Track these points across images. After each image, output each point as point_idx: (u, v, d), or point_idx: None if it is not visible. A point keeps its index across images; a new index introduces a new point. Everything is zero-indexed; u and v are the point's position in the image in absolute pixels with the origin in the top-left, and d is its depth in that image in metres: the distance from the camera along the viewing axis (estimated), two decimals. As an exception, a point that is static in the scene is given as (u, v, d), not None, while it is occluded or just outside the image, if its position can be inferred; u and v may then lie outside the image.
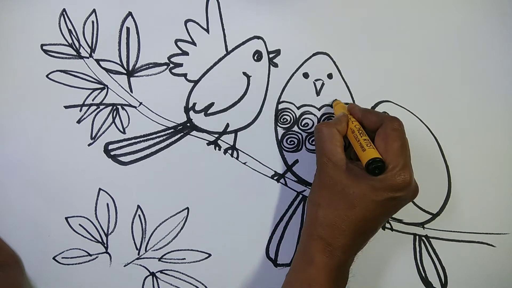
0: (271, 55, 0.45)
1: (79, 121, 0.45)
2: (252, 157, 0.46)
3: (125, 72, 0.45)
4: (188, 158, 0.46)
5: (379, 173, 0.35)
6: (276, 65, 0.45)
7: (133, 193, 0.46)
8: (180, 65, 0.45)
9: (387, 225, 0.46)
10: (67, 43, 0.45)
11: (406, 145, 0.37)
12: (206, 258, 0.46)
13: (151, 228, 0.46)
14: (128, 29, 0.44)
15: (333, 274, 0.36)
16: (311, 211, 0.39)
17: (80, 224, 0.46)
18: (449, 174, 0.45)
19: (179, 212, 0.46)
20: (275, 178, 0.46)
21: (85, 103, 0.45)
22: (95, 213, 0.46)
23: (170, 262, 0.46)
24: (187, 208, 0.46)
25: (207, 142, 0.46)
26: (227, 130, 0.46)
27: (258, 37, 0.45)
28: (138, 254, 0.46)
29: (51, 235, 0.46)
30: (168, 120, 0.45)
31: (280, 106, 0.45)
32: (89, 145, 0.45)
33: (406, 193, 0.36)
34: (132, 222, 0.46)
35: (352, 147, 0.39)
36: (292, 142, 0.46)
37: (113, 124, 0.45)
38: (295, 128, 0.45)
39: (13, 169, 0.46)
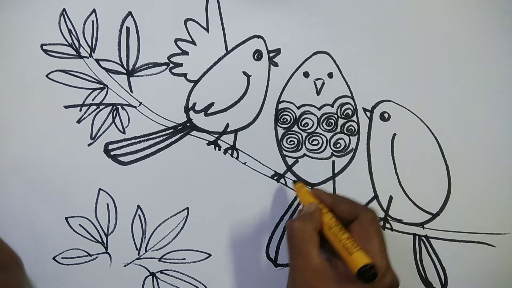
0: (271, 54, 0.45)
1: (79, 121, 0.45)
2: (252, 157, 0.46)
3: (125, 72, 0.45)
4: (188, 158, 0.46)
5: (372, 279, 0.31)
6: (276, 65, 0.45)
7: (133, 193, 0.46)
8: (180, 64, 0.45)
9: (387, 225, 0.46)
10: (67, 43, 0.45)
11: (383, 238, 0.35)
12: (206, 258, 0.46)
13: (151, 228, 0.46)
14: (128, 28, 0.44)
15: None
16: None
17: (80, 224, 0.46)
18: (449, 174, 0.45)
19: (179, 212, 0.46)
20: (275, 178, 0.46)
21: (85, 103, 0.45)
22: (95, 213, 0.46)
23: (170, 262, 0.46)
24: (187, 208, 0.46)
25: (207, 142, 0.46)
26: (227, 130, 0.46)
27: (258, 36, 0.45)
28: (138, 254, 0.46)
29: (51, 235, 0.46)
30: (168, 120, 0.45)
31: (280, 106, 0.45)
32: (89, 145, 0.45)
33: None
34: (132, 222, 0.46)
35: (329, 244, 0.36)
36: (292, 142, 0.46)
37: (113, 124, 0.45)
38: (295, 128, 0.45)
39: (13, 169, 0.46)
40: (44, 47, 0.45)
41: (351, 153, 0.46)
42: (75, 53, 0.45)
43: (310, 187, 0.44)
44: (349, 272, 0.33)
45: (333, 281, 0.33)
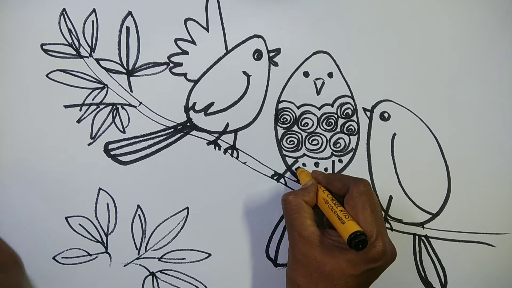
0: (271, 54, 0.45)
1: (79, 121, 0.45)
2: (252, 157, 0.46)
3: (125, 71, 0.45)
4: (188, 158, 0.46)
5: (362, 247, 0.33)
6: (276, 64, 0.45)
7: (133, 193, 0.46)
8: (180, 64, 0.45)
9: (387, 225, 0.46)
10: (67, 43, 0.45)
11: (376, 207, 0.36)
12: (206, 258, 0.46)
13: (151, 228, 0.46)
14: (128, 28, 0.44)
15: None
16: None
17: (80, 224, 0.46)
18: (449, 174, 0.45)
19: (179, 212, 0.46)
20: (275, 178, 0.46)
21: (85, 102, 0.45)
22: (95, 213, 0.46)
23: (170, 262, 0.46)
24: (187, 208, 0.46)
25: (207, 141, 0.46)
26: (227, 130, 0.46)
27: (258, 36, 0.45)
28: (138, 254, 0.46)
29: (51, 235, 0.46)
30: (168, 119, 0.45)
31: (280, 106, 0.45)
32: (89, 144, 0.45)
33: (383, 261, 0.35)
34: (132, 222, 0.46)
35: (326, 217, 0.38)
36: (292, 142, 0.46)
37: (113, 123, 0.45)
38: (295, 128, 0.45)
39: (13, 169, 0.46)
40: (44, 47, 0.45)
41: (351, 153, 0.46)
42: (75, 53, 0.45)
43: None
44: (342, 241, 0.35)
45: (327, 249, 0.35)
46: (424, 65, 0.45)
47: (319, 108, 0.45)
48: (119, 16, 0.44)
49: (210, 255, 0.46)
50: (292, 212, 0.37)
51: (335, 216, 0.35)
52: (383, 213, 0.46)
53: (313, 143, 0.45)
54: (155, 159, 0.45)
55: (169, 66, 0.45)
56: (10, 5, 0.44)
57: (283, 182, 0.46)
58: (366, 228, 0.34)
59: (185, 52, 0.45)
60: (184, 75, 0.45)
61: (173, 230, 0.46)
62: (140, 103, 0.45)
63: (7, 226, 0.46)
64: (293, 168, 0.46)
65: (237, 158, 0.46)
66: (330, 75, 0.45)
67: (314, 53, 0.45)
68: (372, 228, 0.35)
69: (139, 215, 0.46)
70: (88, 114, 0.45)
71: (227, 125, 0.46)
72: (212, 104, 0.45)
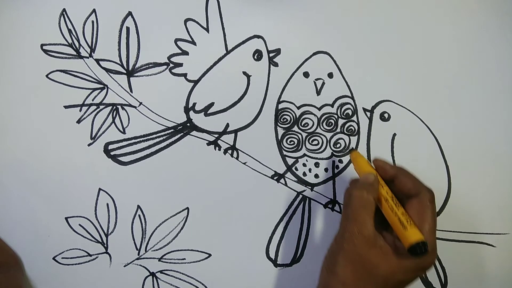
0: (271, 54, 0.45)
1: (79, 121, 0.45)
2: (252, 157, 0.46)
3: (125, 72, 0.45)
4: (188, 158, 0.46)
5: (420, 255, 0.32)
6: (276, 65, 0.45)
7: (133, 193, 0.46)
8: (180, 65, 0.45)
9: (387, 225, 0.46)
10: (67, 43, 0.45)
11: (436, 221, 0.35)
12: (206, 258, 0.46)
13: (151, 228, 0.46)
14: (128, 29, 0.44)
15: None
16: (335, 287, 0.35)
17: (80, 224, 0.46)
18: (449, 174, 0.45)
19: (179, 212, 0.46)
20: (275, 178, 0.46)
21: (85, 103, 0.45)
22: (95, 213, 0.46)
23: (170, 262, 0.46)
24: (187, 208, 0.46)
25: (207, 142, 0.46)
26: (227, 130, 0.46)
27: (258, 36, 0.45)
28: (138, 254, 0.46)
29: (51, 235, 0.46)
30: (168, 120, 0.45)
31: (280, 106, 0.45)
32: (89, 145, 0.45)
33: (429, 269, 0.35)
34: (132, 222, 0.46)
35: (381, 215, 0.36)
36: (292, 142, 0.46)
37: (113, 124, 0.45)
38: (295, 128, 0.45)
39: (13, 169, 0.46)
40: (44, 47, 0.45)
41: (351, 153, 0.46)
42: (75, 53, 0.45)
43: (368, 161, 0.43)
44: (398, 245, 0.34)
45: (382, 252, 0.34)
46: (424, 65, 0.45)
47: (319, 109, 0.45)
48: (119, 16, 0.44)
49: (210, 255, 0.46)
50: (356, 206, 0.35)
51: (396, 219, 0.34)
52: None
53: (313, 143, 0.45)
54: (155, 160, 0.45)
55: (169, 67, 0.45)
56: (10, 5, 0.44)
57: (283, 182, 0.46)
58: (428, 237, 0.33)
59: (185, 53, 0.45)
60: (184, 75, 0.45)
61: (173, 231, 0.46)
62: (140, 103, 0.45)
63: (7, 226, 0.46)
64: (348, 149, 0.45)
65: (237, 158, 0.46)
66: (330, 75, 0.45)
67: (314, 54, 0.45)
68: (433, 239, 0.34)
69: (139, 216, 0.46)
70: (88, 115, 0.45)
71: (227, 125, 0.46)
72: (212, 104, 0.45)
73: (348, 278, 0.34)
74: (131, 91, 0.45)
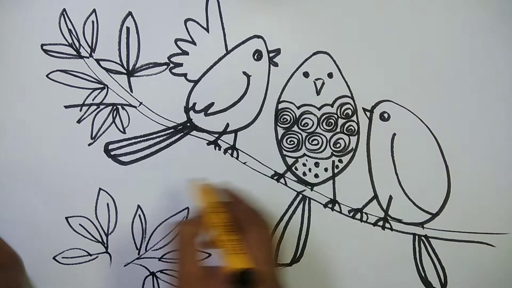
0: (271, 54, 0.45)
1: (79, 121, 0.45)
2: (252, 157, 0.46)
3: (125, 72, 0.45)
4: (188, 158, 0.46)
5: (250, 286, 0.30)
6: (276, 64, 0.45)
7: (133, 193, 0.46)
8: (180, 64, 0.45)
9: (387, 225, 0.46)
10: (67, 43, 0.45)
11: (272, 249, 0.35)
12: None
13: (151, 228, 0.46)
14: (128, 28, 0.44)
15: None
16: None
17: (80, 224, 0.46)
18: (449, 174, 0.45)
19: (179, 212, 0.46)
20: (275, 177, 0.46)
21: (85, 103, 0.45)
22: (95, 213, 0.46)
23: (170, 262, 0.46)
24: (187, 208, 0.46)
25: (207, 142, 0.46)
26: (227, 130, 0.46)
27: (258, 36, 0.45)
28: (138, 254, 0.46)
29: (51, 235, 0.46)
30: (168, 120, 0.45)
31: (280, 106, 0.45)
32: (89, 145, 0.45)
33: None
34: (132, 222, 0.46)
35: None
36: (292, 142, 0.46)
37: (113, 124, 0.45)
38: (295, 128, 0.45)
39: (13, 169, 0.46)
40: (44, 47, 0.45)
41: (351, 153, 0.46)
42: (75, 53, 0.45)
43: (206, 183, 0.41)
44: (227, 274, 0.32)
45: (216, 283, 0.33)
46: (424, 65, 0.45)
47: (319, 108, 0.45)
48: (119, 16, 0.44)
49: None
50: (181, 242, 0.34)
51: (226, 246, 0.33)
52: (384, 213, 0.46)
53: (313, 143, 0.45)
54: (155, 159, 0.45)
55: (169, 67, 0.45)
56: (10, 5, 0.44)
57: (283, 182, 0.46)
58: (261, 266, 0.32)
59: (185, 53, 0.45)
60: (184, 75, 0.45)
61: (173, 230, 0.46)
62: (140, 103, 0.45)
63: (7, 226, 0.46)
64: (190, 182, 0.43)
65: (237, 158, 0.46)
66: (330, 75, 0.45)
67: (314, 53, 0.45)
68: (266, 268, 0.33)
69: (139, 215, 0.46)
70: (88, 115, 0.45)
71: (227, 125, 0.46)
72: (212, 104, 0.45)
73: None
74: (131, 91, 0.45)
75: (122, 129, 0.45)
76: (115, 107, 0.45)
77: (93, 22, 0.44)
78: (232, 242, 0.33)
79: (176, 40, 0.45)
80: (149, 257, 0.46)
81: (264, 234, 0.35)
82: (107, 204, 0.46)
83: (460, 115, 0.45)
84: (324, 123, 0.45)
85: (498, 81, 0.44)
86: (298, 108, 0.45)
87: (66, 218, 0.46)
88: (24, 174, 0.46)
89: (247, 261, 0.32)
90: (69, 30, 0.44)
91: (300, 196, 0.46)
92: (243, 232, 0.35)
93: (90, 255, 0.46)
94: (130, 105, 0.45)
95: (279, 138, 0.46)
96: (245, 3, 0.44)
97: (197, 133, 0.46)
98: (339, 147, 0.46)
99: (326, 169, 0.46)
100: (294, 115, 0.45)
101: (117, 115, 0.45)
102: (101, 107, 0.45)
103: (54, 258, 0.46)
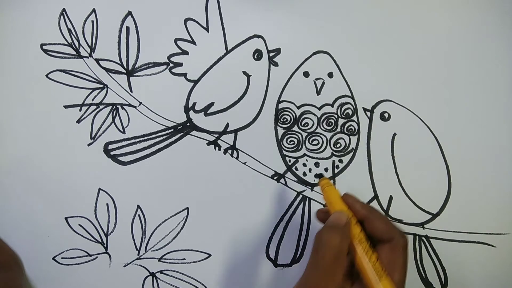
0: (271, 54, 0.45)
1: (78, 121, 0.45)
2: (252, 157, 0.46)
3: (124, 71, 0.45)
4: (188, 158, 0.46)
5: None
6: (276, 64, 0.45)
7: (133, 193, 0.46)
8: (180, 64, 0.45)
9: (387, 225, 0.46)
10: (67, 43, 0.45)
11: (407, 268, 0.32)
12: (206, 258, 0.46)
13: (151, 228, 0.46)
14: (127, 28, 0.44)
15: None
16: None
17: (80, 224, 0.46)
18: (449, 174, 0.45)
19: (179, 212, 0.46)
20: (275, 178, 0.46)
21: (85, 102, 0.45)
22: (95, 213, 0.46)
23: (170, 263, 0.46)
24: (187, 208, 0.46)
25: (207, 142, 0.46)
26: (227, 130, 0.46)
27: (258, 36, 0.45)
28: (138, 254, 0.46)
29: (51, 235, 0.46)
30: (168, 120, 0.45)
31: (280, 106, 0.45)
32: (89, 145, 0.45)
33: None
34: (132, 222, 0.46)
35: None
36: (292, 142, 0.45)
37: (113, 124, 0.45)
38: (295, 128, 0.45)
39: (13, 169, 0.46)
40: (44, 47, 0.45)
41: (351, 153, 0.46)
42: (75, 53, 0.45)
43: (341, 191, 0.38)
44: None
45: None
46: (424, 65, 0.45)
47: (319, 108, 0.45)
48: (119, 16, 0.44)
49: (210, 255, 0.46)
50: (329, 258, 0.30)
51: (370, 268, 0.30)
52: (384, 214, 0.45)
53: (313, 143, 0.45)
54: (155, 159, 0.45)
55: (169, 66, 0.45)
56: (10, 5, 0.44)
57: (283, 182, 0.46)
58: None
59: (185, 52, 0.45)
60: (184, 75, 0.45)
61: (173, 231, 0.46)
62: (140, 103, 0.45)
63: (7, 226, 0.46)
64: (317, 175, 0.44)
65: (237, 158, 0.46)
66: (330, 75, 0.45)
67: (314, 53, 0.45)
68: None
69: (139, 215, 0.46)
70: (88, 114, 0.45)
71: (227, 125, 0.45)
72: (212, 104, 0.45)
73: None
74: (131, 91, 0.45)
75: (121, 129, 0.45)
76: (114, 107, 0.45)
77: (92, 21, 0.44)
78: (376, 262, 0.31)
79: (176, 40, 0.45)
80: (148, 257, 0.46)
81: (405, 255, 0.32)
82: (107, 204, 0.46)
83: (461, 115, 0.45)
84: (324, 123, 0.45)
85: (498, 81, 0.44)
86: (298, 108, 0.45)
87: (66, 218, 0.46)
88: (24, 174, 0.45)
89: (392, 286, 0.30)
90: (69, 30, 0.44)
91: (300, 196, 0.46)
92: (378, 249, 0.32)
93: (90, 255, 0.46)
94: (130, 105, 0.45)
95: (279, 138, 0.45)
96: (245, 3, 0.44)
97: (197, 133, 0.46)
98: (339, 147, 0.46)
99: (326, 169, 0.46)
100: (294, 115, 0.45)
101: (117, 115, 0.45)
102: (101, 107, 0.45)
103: (53, 258, 0.46)
